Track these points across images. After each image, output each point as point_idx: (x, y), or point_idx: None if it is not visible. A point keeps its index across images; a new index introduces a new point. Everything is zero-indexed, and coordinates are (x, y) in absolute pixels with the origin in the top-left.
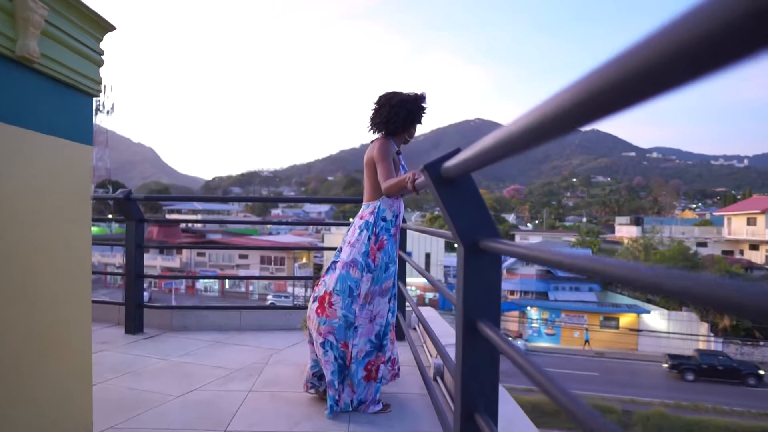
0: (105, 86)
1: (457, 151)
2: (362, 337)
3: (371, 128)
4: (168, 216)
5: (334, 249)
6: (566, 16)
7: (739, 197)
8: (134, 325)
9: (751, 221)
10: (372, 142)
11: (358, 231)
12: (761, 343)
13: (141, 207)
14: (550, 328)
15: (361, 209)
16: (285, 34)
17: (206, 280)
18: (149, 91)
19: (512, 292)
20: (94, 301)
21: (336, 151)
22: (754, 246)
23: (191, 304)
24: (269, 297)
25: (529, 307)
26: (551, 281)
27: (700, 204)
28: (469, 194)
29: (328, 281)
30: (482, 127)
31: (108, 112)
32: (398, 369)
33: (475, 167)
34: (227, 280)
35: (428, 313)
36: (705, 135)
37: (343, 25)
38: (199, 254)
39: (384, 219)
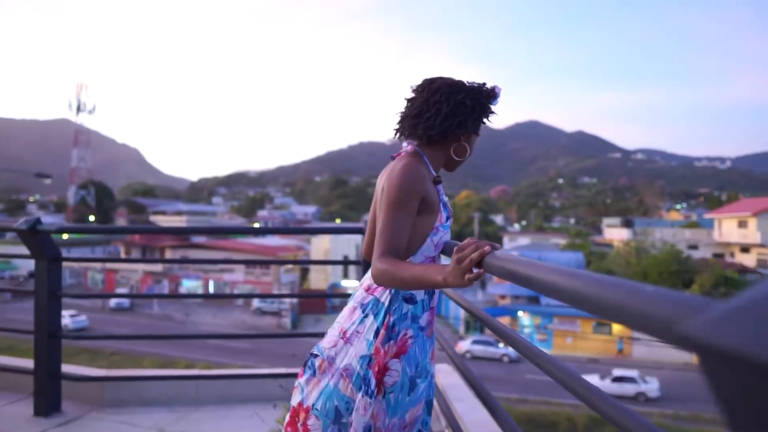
0: (85, 85)
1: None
2: None
3: (402, 130)
4: (152, 218)
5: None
6: (556, 16)
7: (724, 199)
8: (46, 403)
9: (742, 224)
10: (395, 157)
11: (359, 313)
12: None
13: (125, 209)
14: (542, 333)
15: (368, 273)
16: (273, 34)
17: (189, 284)
18: (135, 92)
19: (503, 297)
20: None
21: (323, 152)
22: (744, 249)
23: (174, 308)
24: (255, 301)
25: (520, 313)
26: None
27: (684, 205)
28: None
29: (306, 388)
30: None
31: (90, 111)
32: None
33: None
34: (211, 283)
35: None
36: (688, 136)
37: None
38: (182, 256)
39: (409, 299)
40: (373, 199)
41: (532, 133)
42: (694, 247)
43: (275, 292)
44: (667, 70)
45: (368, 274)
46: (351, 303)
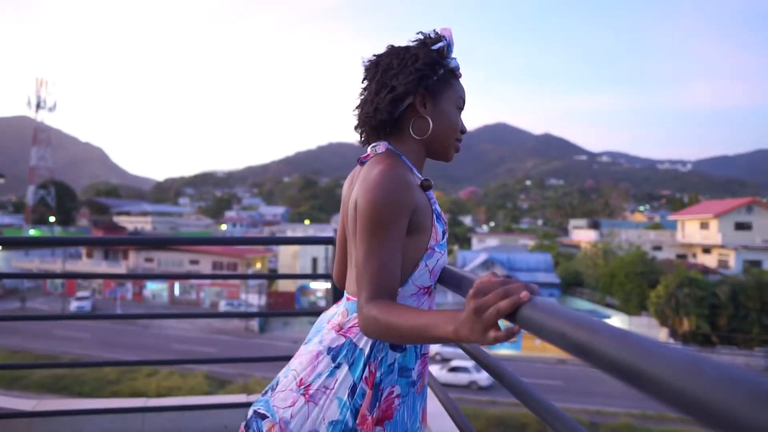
0: (45, 81)
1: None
2: None
3: (363, 126)
4: (116, 219)
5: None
6: (524, 21)
7: (685, 201)
8: None
9: (704, 226)
10: (363, 162)
11: (326, 361)
12: (718, 348)
13: (87, 209)
14: None
15: (338, 307)
16: (243, 34)
17: (154, 286)
18: (100, 90)
19: None
20: None
21: (292, 153)
22: (706, 250)
23: (139, 311)
24: (222, 304)
25: None
26: None
27: (647, 206)
28: None
29: None
30: None
31: (50, 109)
32: None
33: None
34: (176, 285)
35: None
36: (651, 140)
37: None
38: (146, 259)
39: (397, 347)
40: (341, 211)
41: (500, 135)
42: (658, 248)
43: (242, 294)
44: (631, 76)
45: (340, 307)
46: (314, 343)
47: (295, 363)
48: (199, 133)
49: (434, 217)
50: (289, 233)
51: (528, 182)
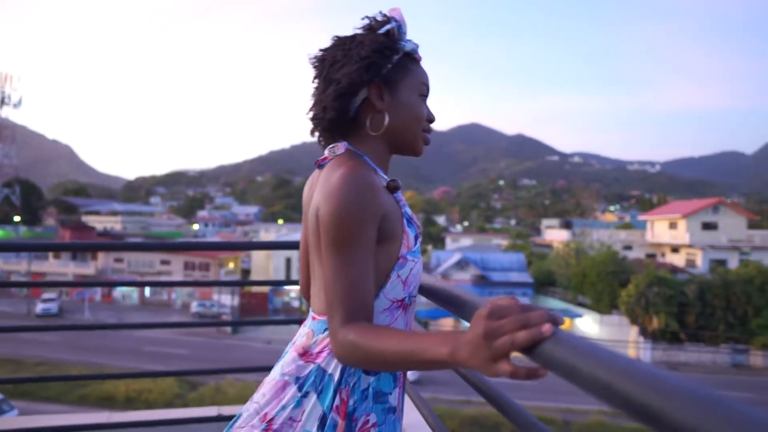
0: (10, 77)
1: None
2: None
3: (316, 129)
4: (84, 218)
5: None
6: (498, 22)
7: (654, 201)
8: None
9: (672, 226)
10: (321, 164)
11: (292, 391)
12: (685, 345)
13: (54, 208)
14: None
15: (305, 329)
16: (214, 31)
17: (124, 288)
18: (69, 86)
19: None
20: None
21: (265, 152)
22: (675, 249)
23: (107, 314)
24: (193, 305)
25: None
26: (486, 287)
27: (618, 206)
28: None
29: None
30: None
31: (15, 105)
32: None
33: None
34: (147, 288)
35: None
36: (621, 141)
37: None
38: (116, 260)
39: (371, 371)
40: (303, 220)
41: (473, 135)
42: (628, 247)
43: (215, 296)
44: (602, 78)
45: (305, 327)
46: (277, 372)
47: (257, 395)
48: (170, 132)
49: (405, 221)
50: (263, 233)
51: (501, 182)
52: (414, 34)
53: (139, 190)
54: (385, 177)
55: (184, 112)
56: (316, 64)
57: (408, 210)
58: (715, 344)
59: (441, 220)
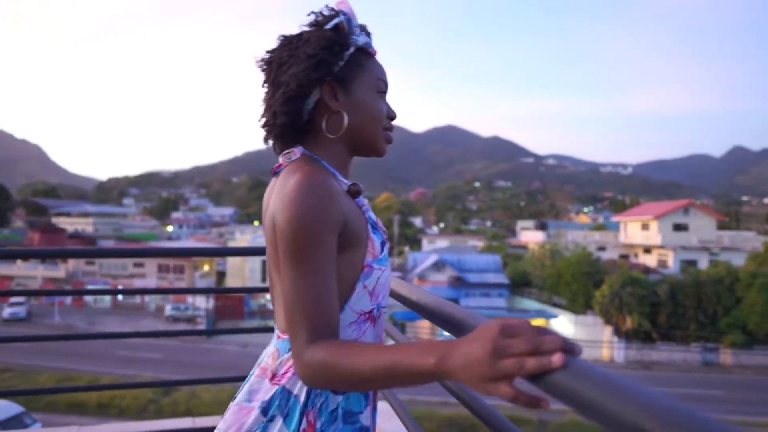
0: None
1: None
2: None
3: (269, 136)
4: (54, 220)
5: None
6: (473, 25)
7: (627, 203)
8: None
9: (645, 227)
10: (277, 172)
11: (256, 416)
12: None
13: (23, 210)
14: None
15: (270, 348)
16: (189, 31)
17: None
18: (38, 85)
19: None
20: None
21: (240, 153)
22: (647, 250)
23: (78, 318)
24: (168, 308)
25: None
26: (462, 288)
27: (591, 208)
28: None
29: None
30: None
31: None
32: None
33: None
34: (119, 287)
35: None
36: (594, 143)
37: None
38: (87, 263)
39: (340, 391)
40: (264, 231)
41: (449, 137)
42: (602, 248)
43: (189, 298)
44: (576, 81)
45: (270, 346)
46: (241, 396)
47: (221, 423)
48: (144, 132)
49: (369, 227)
50: (238, 234)
51: (477, 184)
52: (391, 36)
53: (111, 191)
54: (346, 181)
55: (159, 112)
56: (264, 67)
57: (372, 215)
58: (686, 343)
59: (417, 221)
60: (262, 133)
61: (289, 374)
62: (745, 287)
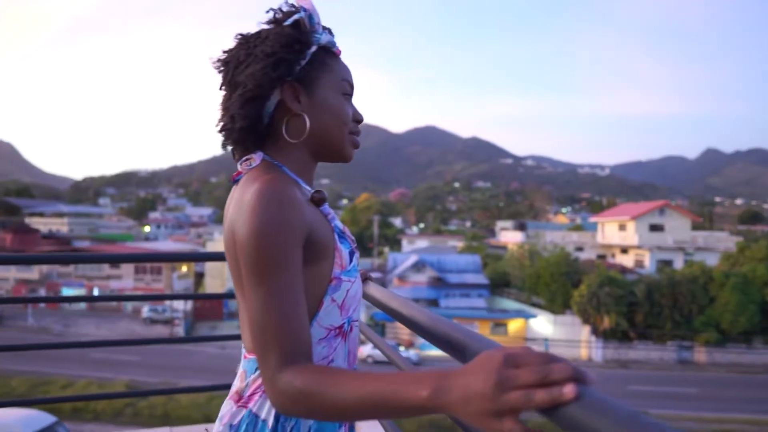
0: None
1: None
2: None
3: (227, 141)
4: (27, 220)
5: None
6: (453, 27)
7: (604, 203)
8: None
9: (622, 227)
10: (236, 180)
11: None
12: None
13: None
14: None
15: (239, 368)
16: (168, 29)
17: (71, 292)
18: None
19: None
20: None
21: (220, 153)
22: (624, 250)
23: (53, 320)
24: (144, 309)
25: None
26: (442, 288)
27: (569, 208)
28: None
29: None
30: (373, 132)
31: None
32: None
33: None
34: (95, 291)
35: None
36: (572, 144)
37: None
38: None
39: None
40: (224, 244)
41: (429, 137)
42: (580, 249)
43: (167, 300)
44: (554, 83)
45: (239, 367)
46: (217, 423)
47: None
48: (121, 131)
49: (336, 236)
50: (217, 235)
51: (456, 184)
52: (371, 36)
53: (87, 191)
54: (309, 188)
55: (136, 111)
56: (220, 68)
57: (339, 223)
58: (662, 342)
59: (397, 221)
60: (220, 138)
61: (256, 396)
62: (719, 287)
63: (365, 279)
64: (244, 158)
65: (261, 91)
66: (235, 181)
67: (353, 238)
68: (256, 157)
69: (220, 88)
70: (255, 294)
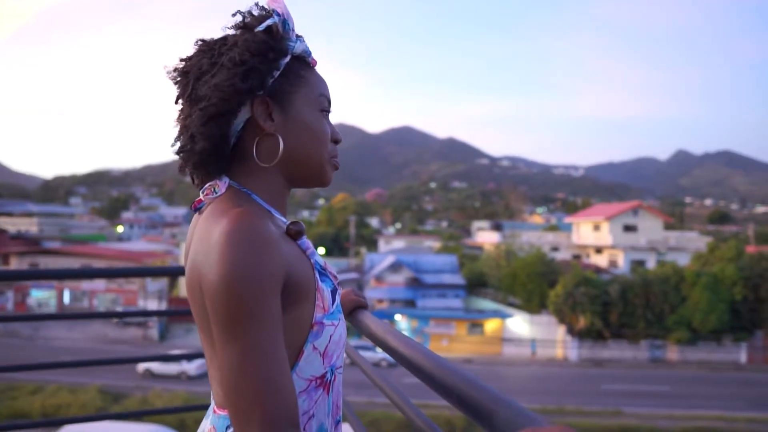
0: None
1: None
2: None
3: (186, 165)
4: None
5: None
6: (429, 28)
7: (579, 204)
8: None
9: (596, 228)
10: (199, 207)
11: None
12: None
13: None
14: (419, 336)
15: (206, 422)
16: (141, 24)
17: (40, 294)
18: None
19: (380, 301)
20: None
21: None
22: (598, 250)
23: (19, 325)
24: (117, 311)
25: (398, 316)
26: (419, 289)
27: (544, 209)
28: None
29: None
30: (350, 132)
31: None
32: None
33: None
34: (66, 293)
35: None
36: (547, 145)
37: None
38: (31, 264)
39: None
40: (186, 284)
41: (405, 138)
42: (556, 249)
43: (141, 301)
44: (529, 84)
45: (206, 420)
46: None
47: None
48: (93, 128)
49: (316, 275)
50: None
51: (432, 185)
52: (347, 36)
53: (57, 190)
54: (284, 219)
55: (109, 108)
56: (178, 78)
57: (319, 259)
58: (635, 341)
59: (374, 222)
60: (178, 161)
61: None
62: (690, 286)
63: (359, 306)
64: (207, 184)
65: (227, 105)
66: (197, 209)
67: (335, 273)
68: (221, 184)
69: (177, 102)
70: (228, 351)
